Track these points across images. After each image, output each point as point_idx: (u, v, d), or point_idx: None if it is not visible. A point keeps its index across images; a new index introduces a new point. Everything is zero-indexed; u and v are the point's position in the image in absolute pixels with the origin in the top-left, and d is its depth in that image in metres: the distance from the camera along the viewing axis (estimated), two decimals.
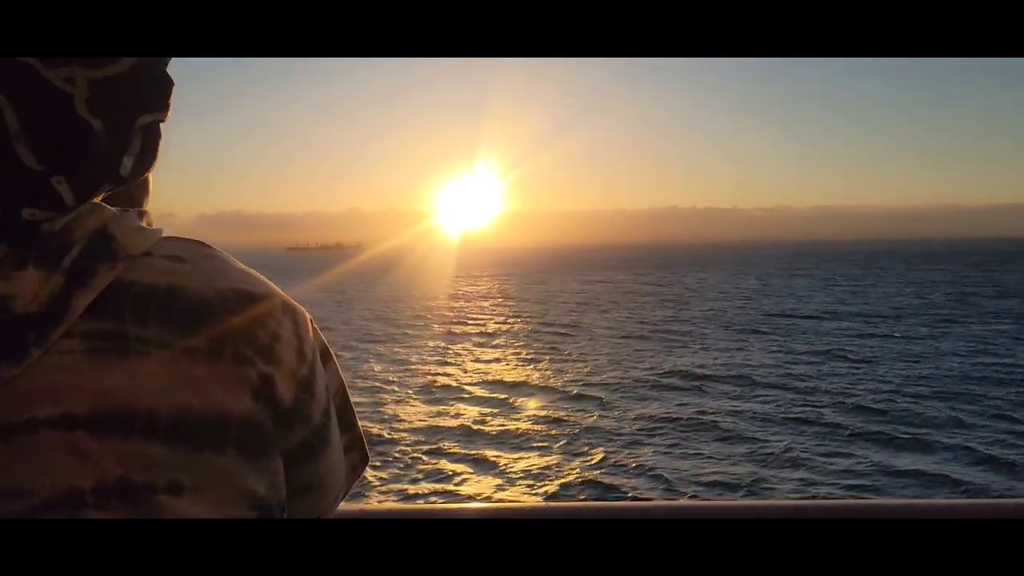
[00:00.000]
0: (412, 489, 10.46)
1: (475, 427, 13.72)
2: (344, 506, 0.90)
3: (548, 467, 11.35)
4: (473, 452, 12.12)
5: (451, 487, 10.53)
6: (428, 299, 43.25)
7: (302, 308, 0.74)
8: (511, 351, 22.86)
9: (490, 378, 18.38)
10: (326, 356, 0.76)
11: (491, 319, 32.18)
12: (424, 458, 11.80)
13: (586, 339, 25.26)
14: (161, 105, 0.72)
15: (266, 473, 0.66)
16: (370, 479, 10.73)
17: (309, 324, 0.74)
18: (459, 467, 11.38)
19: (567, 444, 12.55)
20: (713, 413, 14.41)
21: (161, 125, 0.73)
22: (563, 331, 27.52)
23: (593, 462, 11.57)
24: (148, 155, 0.72)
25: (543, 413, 14.67)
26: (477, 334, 27.10)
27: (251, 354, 0.66)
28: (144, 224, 0.70)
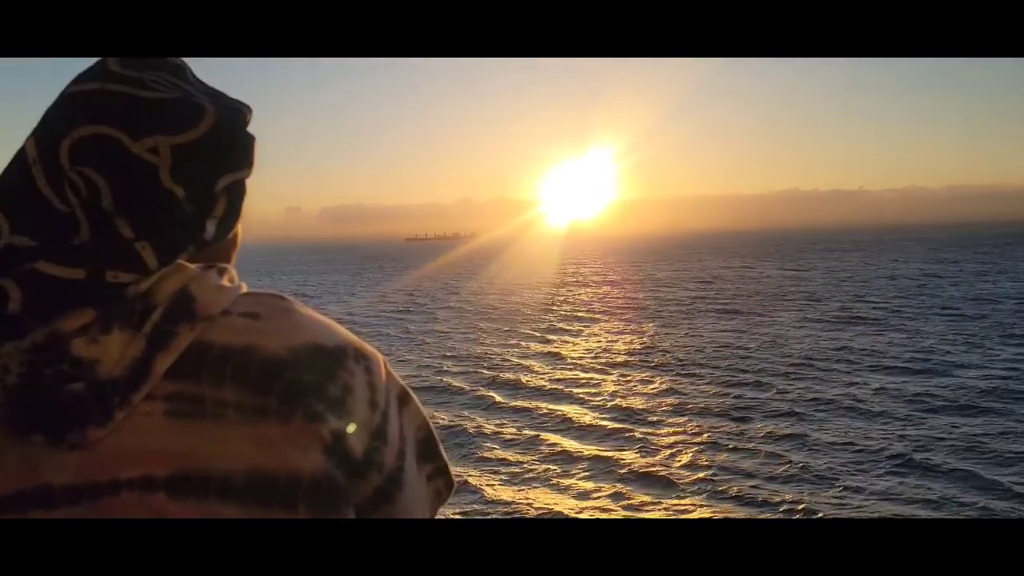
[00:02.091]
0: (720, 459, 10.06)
1: (715, 402, 13.17)
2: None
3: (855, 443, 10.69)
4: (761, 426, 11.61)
5: (728, 460, 10.04)
6: (576, 286, 43.01)
7: (376, 352, 0.75)
8: (717, 335, 22.12)
9: (725, 363, 17.79)
10: (404, 398, 0.77)
11: (667, 304, 31.44)
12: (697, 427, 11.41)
13: (789, 325, 24.14)
14: (242, 163, 0.73)
15: None
16: (662, 442, 10.39)
17: (383, 369, 0.74)
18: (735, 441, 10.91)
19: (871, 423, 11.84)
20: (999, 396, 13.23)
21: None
22: (759, 316, 26.45)
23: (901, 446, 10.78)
24: (231, 216, 0.74)
25: (808, 396, 13.98)
26: (668, 316, 26.50)
27: (323, 410, 0.67)
28: (225, 282, 0.70)
